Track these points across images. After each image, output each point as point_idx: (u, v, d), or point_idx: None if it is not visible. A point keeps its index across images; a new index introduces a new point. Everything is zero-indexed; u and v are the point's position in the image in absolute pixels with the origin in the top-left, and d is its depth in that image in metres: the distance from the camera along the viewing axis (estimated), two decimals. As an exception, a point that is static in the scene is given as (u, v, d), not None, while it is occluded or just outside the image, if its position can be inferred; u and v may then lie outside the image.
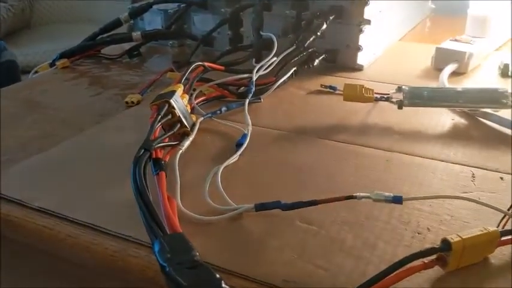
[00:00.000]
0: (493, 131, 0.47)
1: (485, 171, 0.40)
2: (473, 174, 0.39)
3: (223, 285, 0.27)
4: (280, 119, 0.50)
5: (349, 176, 0.40)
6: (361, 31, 0.60)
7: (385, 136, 0.46)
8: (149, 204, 0.31)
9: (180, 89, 0.45)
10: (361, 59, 0.62)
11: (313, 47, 0.60)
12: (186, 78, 0.48)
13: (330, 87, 0.56)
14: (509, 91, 0.48)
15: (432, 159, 0.42)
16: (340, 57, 0.63)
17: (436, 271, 0.29)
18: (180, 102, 0.44)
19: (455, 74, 0.60)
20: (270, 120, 0.49)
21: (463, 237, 0.29)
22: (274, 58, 0.56)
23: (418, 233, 0.33)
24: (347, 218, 0.34)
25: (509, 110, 0.47)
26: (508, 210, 0.32)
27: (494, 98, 0.48)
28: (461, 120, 0.49)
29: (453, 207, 0.35)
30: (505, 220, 0.31)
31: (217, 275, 0.27)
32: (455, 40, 0.63)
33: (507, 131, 0.46)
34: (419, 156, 0.42)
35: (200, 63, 0.51)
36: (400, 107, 0.49)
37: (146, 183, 0.33)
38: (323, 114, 0.51)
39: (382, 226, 0.33)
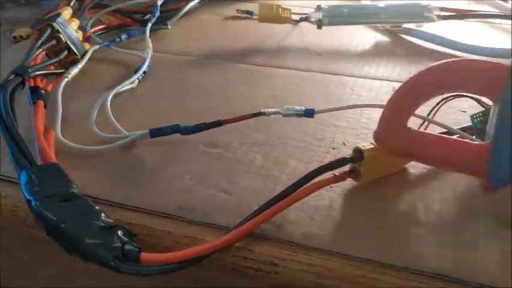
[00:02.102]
0: (416, 46, 0.44)
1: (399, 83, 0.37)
2: (393, 88, 0.36)
3: (103, 217, 0.23)
4: (190, 45, 0.45)
5: (262, 97, 0.36)
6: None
7: (303, 57, 0.42)
8: (13, 132, 0.26)
9: (67, 12, 0.39)
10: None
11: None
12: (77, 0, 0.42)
13: (247, 12, 0.51)
14: (433, 5, 0.45)
15: (351, 76, 0.38)
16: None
17: (350, 184, 0.26)
18: (67, 26, 0.38)
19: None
20: (177, 46, 0.44)
21: (376, 145, 0.26)
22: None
23: (333, 148, 0.29)
24: (257, 139, 0.31)
25: (433, 24, 0.44)
26: (428, 115, 0.29)
27: (417, 12, 0.45)
28: (383, 38, 0.46)
29: (372, 121, 0.32)
30: (423, 127, 0.29)
31: (97, 207, 0.23)
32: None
33: (430, 45, 0.44)
34: (338, 74, 0.39)
35: (94, -15, 0.45)
36: (319, 27, 0.45)
37: (13, 110, 0.28)
38: (238, 38, 0.46)
39: (294, 144, 0.30)
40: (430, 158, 0.25)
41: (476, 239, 0.23)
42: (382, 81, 0.37)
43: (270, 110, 0.29)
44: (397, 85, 0.36)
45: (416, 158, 0.25)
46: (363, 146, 0.25)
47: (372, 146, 0.25)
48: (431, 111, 0.28)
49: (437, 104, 0.28)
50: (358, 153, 0.25)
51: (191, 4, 0.50)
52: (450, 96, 0.29)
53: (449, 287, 0.20)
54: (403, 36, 0.46)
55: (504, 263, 0.21)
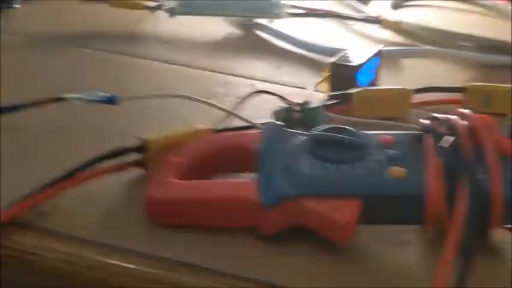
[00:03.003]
0: (262, 41, 0.45)
1: (240, 78, 0.38)
2: (228, 82, 0.37)
3: None
4: (36, 26, 0.43)
5: (88, 84, 0.35)
6: None
7: (149, 45, 0.42)
8: None
9: None
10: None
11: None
12: None
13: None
14: (283, 2, 0.46)
15: (186, 66, 0.39)
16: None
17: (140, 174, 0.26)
18: None
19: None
20: (22, 27, 0.42)
21: (164, 135, 0.26)
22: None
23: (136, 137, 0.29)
24: (56, 125, 0.30)
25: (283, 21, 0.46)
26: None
27: (266, 8, 0.46)
28: (235, 31, 0.47)
29: (178, 112, 0.32)
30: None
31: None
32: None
33: (276, 41, 0.45)
34: (176, 64, 0.39)
35: None
36: (172, 15, 0.45)
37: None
38: (88, 23, 0.45)
39: (94, 132, 0.29)
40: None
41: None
42: (214, 73, 0.38)
43: (71, 95, 0.29)
44: (231, 78, 0.38)
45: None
46: (148, 137, 0.25)
47: (156, 137, 0.26)
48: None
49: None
50: (143, 143, 0.25)
51: (43, -17, 0.48)
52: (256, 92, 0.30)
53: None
54: (255, 31, 0.47)
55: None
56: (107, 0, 0.46)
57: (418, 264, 0.23)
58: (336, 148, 0.23)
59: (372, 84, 0.37)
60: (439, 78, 0.39)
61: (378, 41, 0.48)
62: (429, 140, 0.22)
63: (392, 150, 0.23)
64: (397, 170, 0.22)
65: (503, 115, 0.35)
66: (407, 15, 0.53)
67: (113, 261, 0.21)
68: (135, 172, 0.26)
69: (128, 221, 0.23)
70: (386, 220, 0.23)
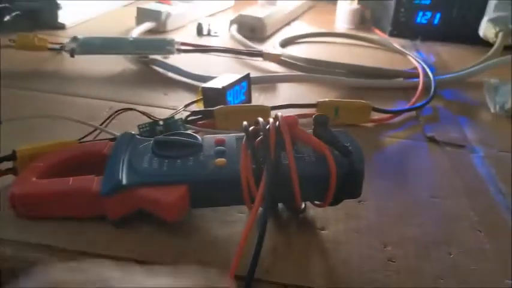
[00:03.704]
0: (156, 74, 0.51)
1: (124, 104, 0.42)
2: (111, 107, 0.42)
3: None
4: None
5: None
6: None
7: (51, 81, 0.47)
8: None
9: None
10: (65, 18, 0.62)
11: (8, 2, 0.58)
12: None
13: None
14: (176, 40, 0.52)
15: (79, 96, 0.44)
16: (41, 15, 0.62)
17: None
18: None
19: (156, 32, 0.64)
20: None
21: (32, 146, 0.30)
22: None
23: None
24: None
25: (177, 56, 0.52)
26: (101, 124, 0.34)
27: (161, 45, 0.52)
28: (131, 66, 0.52)
29: (63, 132, 0.34)
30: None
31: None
32: (159, 2, 0.67)
33: (170, 75, 0.51)
34: (70, 95, 0.44)
35: None
36: (72, 55, 0.50)
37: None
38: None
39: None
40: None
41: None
42: (101, 101, 0.43)
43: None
44: (115, 104, 0.42)
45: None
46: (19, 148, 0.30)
47: (27, 148, 0.30)
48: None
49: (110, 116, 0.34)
50: (13, 153, 0.30)
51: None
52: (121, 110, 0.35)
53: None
54: (152, 66, 0.52)
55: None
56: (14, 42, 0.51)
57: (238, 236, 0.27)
58: (174, 148, 0.28)
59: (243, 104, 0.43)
60: (307, 99, 0.44)
61: (262, 70, 0.55)
62: (245, 138, 0.27)
63: (221, 147, 0.28)
64: (220, 160, 0.27)
65: (354, 125, 0.42)
66: (293, 50, 0.61)
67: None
68: (9, 177, 0.30)
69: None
70: (214, 203, 0.28)
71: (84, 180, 0.27)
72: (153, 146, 0.28)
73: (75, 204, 0.27)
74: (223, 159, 0.27)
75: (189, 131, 0.31)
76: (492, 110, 0.47)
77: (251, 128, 0.28)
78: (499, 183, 0.35)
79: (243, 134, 0.27)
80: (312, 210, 0.30)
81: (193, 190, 0.26)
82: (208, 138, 0.29)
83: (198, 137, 0.29)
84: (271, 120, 0.28)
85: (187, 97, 0.45)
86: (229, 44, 0.61)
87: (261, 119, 0.28)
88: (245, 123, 0.29)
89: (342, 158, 0.26)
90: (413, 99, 0.47)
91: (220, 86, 0.40)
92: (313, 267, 0.25)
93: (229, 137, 0.29)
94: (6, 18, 0.57)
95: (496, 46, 0.60)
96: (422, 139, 0.41)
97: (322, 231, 0.28)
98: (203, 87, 0.41)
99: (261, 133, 0.27)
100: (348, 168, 0.26)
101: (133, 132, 0.30)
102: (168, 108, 0.43)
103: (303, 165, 0.26)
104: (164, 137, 0.29)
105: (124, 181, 0.26)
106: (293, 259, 0.26)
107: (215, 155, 0.28)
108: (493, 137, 0.42)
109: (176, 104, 0.43)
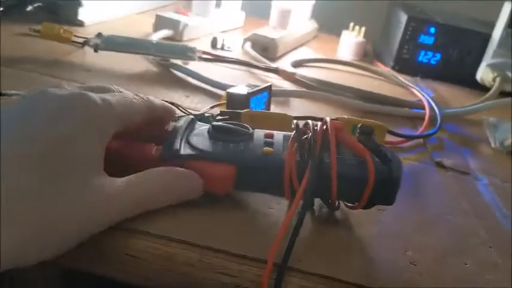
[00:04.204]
0: (176, 78, 0.52)
1: None
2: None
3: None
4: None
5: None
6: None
7: (75, 71, 0.48)
8: None
9: None
10: (84, 16, 0.63)
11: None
12: None
13: (37, 30, 0.56)
14: (198, 48, 0.54)
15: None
16: (62, 10, 0.63)
17: None
18: None
19: (172, 40, 0.65)
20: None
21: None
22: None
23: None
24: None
25: (195, 63, 0.53)
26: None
27: (183, 51, 0.54)
28: (153, 68, 0.54)
29: None
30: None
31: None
32: (177, 12, 0.69)
33: (189, 79, 0.52)
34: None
35: None
36: (95, 50, 0.51)
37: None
38: (19, 49, 0.50)
39: None
40: None
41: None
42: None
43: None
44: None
45: None
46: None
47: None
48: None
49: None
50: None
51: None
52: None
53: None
54: (171, 70, 0.54)
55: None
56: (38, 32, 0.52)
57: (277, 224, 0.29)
58: (228, 133, 0.30)
59: (262, 113, 0.45)
60: (320, 115, 0.46)
61: (275, 86, 0.57)
62: (294, 135, 0.29)
63: (270, 140, 0.31)
64: (267, 149, 0.29)
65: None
66: (304, 71, 0.63)
67: None
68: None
69: None
70: (256, 187, 0.30)
71: (145, 146, 0.30)
72: (210, 129, 0.31)
73: (135, 166, 0.28)
74: (270, 148, 0.29)
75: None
76: (493, 145, 0.50)
77: (300, 126, 0.30)
78: (503, 209, 0.37)
79: (290, 133, 0.30)
80: (340, 212, 0.31)
81: (239, 172, 0.28)
82: (258, 131, 0.32)
83: (250, 128, 0.32)
84: (319, 123, 0.30)
85: (208, 101, 0.47)
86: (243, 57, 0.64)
87: (310, 121, 0.30)
88: (295, 121, 0.32)
89: (381, 165, 0.28)
90: (422, 128, 0.49)
91: (245, 92, 0.42)
92: (341, 262, 0.27)
93: (278, 133, 0.32)
94: (29, 8, 0.58)
95: (493, 89, 0.64)
96: (431, 163, 0.43)
97: (349, 231, 0.30)
98: (228, 92, 0.42)
99: (309, 132, 0.29)
100: (386, 175, 0.28)
101: (192, 117, 0.33)
102: (190, 109, 0.44)
103: (343, 166, 0.28)
104: (220, 123, 0.31)
105: (182, 151, 0.29)
106: (323, 252, 0.27)
107: (263, 144, 0.30)
108: (494, 169, 0.45)
109: (198, 106, 0.44)
